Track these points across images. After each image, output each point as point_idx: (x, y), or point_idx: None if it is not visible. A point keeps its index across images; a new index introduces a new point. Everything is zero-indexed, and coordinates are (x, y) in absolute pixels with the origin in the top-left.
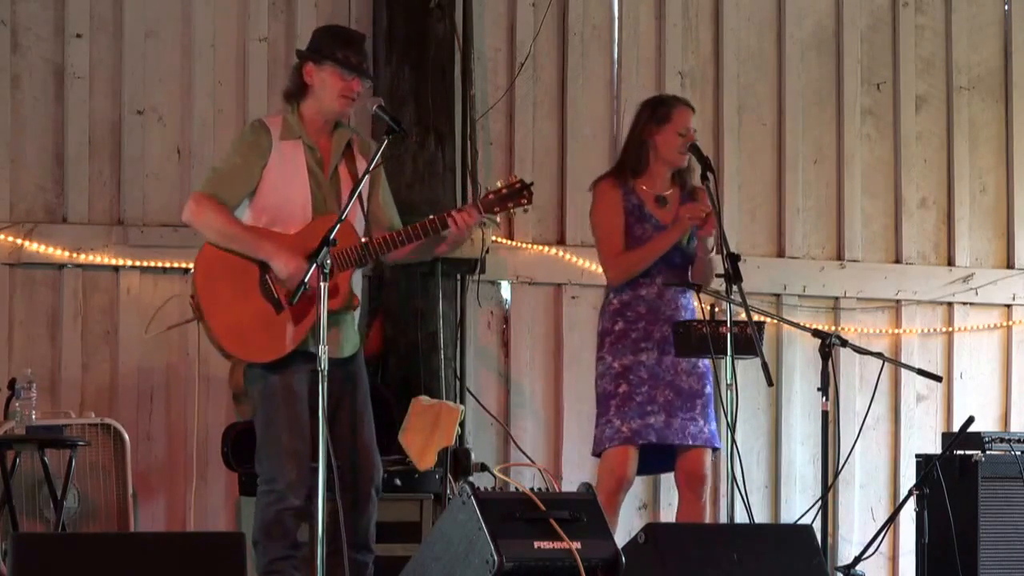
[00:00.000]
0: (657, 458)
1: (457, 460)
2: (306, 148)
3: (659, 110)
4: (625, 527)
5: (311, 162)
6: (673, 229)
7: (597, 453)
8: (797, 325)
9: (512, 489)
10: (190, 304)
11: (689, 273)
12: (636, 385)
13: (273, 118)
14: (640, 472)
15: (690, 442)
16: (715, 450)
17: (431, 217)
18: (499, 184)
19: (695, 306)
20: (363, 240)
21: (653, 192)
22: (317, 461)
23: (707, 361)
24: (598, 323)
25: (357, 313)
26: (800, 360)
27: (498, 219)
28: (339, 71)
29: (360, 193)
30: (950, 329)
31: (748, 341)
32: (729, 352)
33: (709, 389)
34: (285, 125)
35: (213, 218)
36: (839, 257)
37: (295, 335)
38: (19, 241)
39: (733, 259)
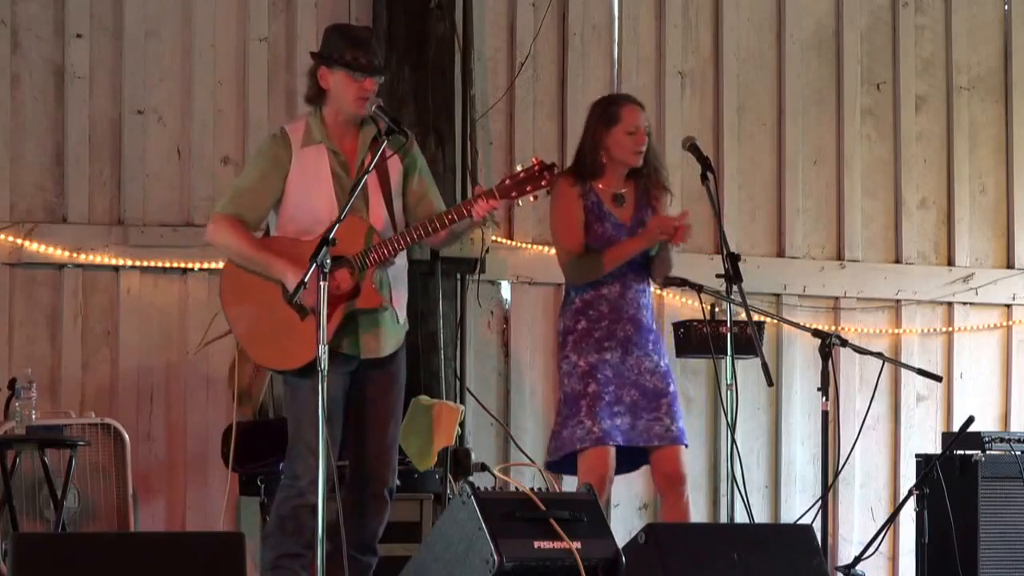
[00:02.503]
0: (632, 456)
1: (457, 460)
2: (329, 152)
3: (608, 111)
4: (625, 527)
5: (335, 165)
6: (640, 238)
7: (565, 454)
8: (797, 325)
9: (512, 489)
10: (226, 318)
11: (652, 270)
12: (603, 384)
13: (296, 124)
14: (619, 471)
15: (656, 443)
16: (684, 447)
17: (446, 211)
18: (518, 168)
19: (652, 305)
20: (393, 239)
21: (610, 191)
22: (339, 460)
23: (667, 360)
24: (559, 322)
25: (402, 312)
26: (800, 360)
27: (497, 219)
28: (350, 74)
29: (390, 185)
30: (950, 329)
31: (748, 341)
32: (729, 352)
33: (673, 388)
34: (307, 131)
35: (229, 240)
36: (839, 257)
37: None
38: (19, 241)
39: (733, 259)
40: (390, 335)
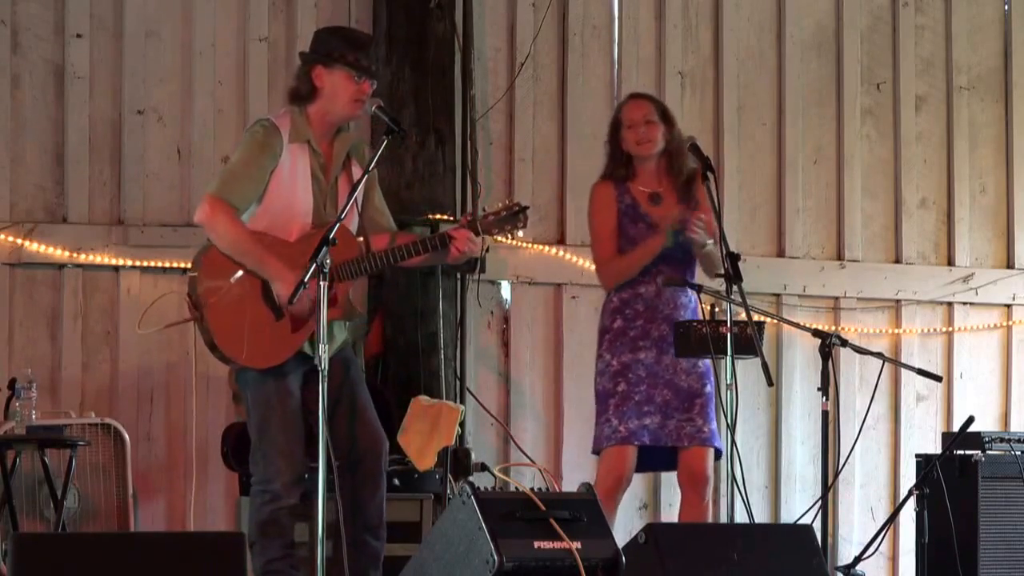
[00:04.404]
0: (658, 456)
1: (457, 460)
2: (312, 152)
3: (615, 117)
4: (625, 527)
5: (315, 166)
6: (656, 238)
7: (597, 451)
8: (797, 325)
9: (512, 489)
10: (186, 303)
11: (696, 270)
12: (634, 384)
13: (281, 118)
14: (642, 469)
15: (686, 443)
16: (717, 451)
17: (432, 235)
18: (498, 206)
19: (697, 305)
20: (368, 253)
21: (646, 191)
22: (315, 460)
23: (708, 360)
24: (599, 321)
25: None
26: (800, 360)
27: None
28: (351, 74)
29: (356, 197)
30: (950, 329)
31: (748, 341)
32: (729, 352)
33: (709, 388)
34: (293, 126)
35: (227, 228)
36: (839, 257)
37: (294, 341)
38: (19, 241)
39: (733, 259)
40: (339, 341)
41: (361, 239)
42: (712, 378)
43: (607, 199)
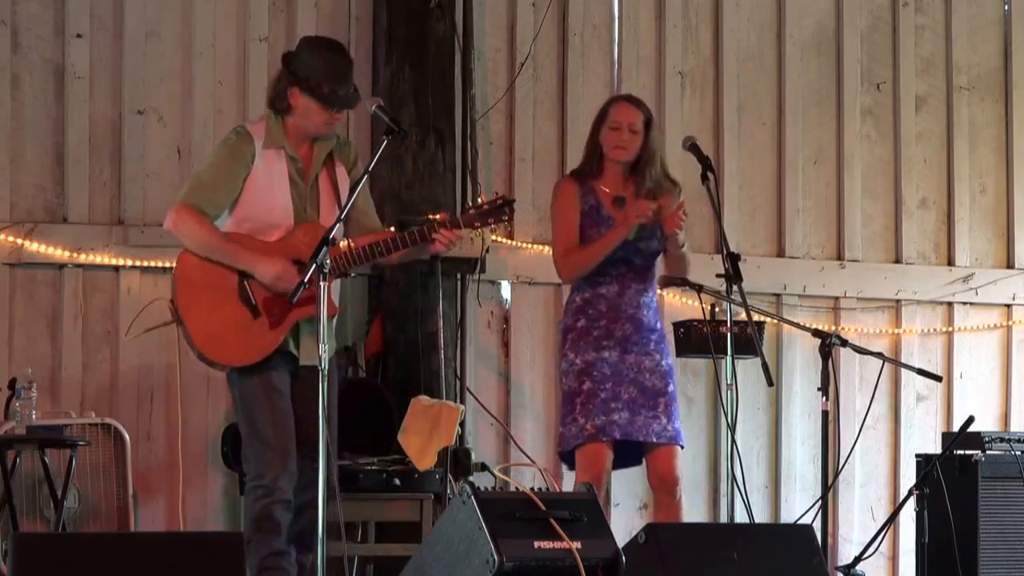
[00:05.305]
0: (623, 454)
1: (457, 460)
2: (288, 157)
3: (602, 109)
4: (625, 527)
5: (292, 171)
6: (618, 228)
7: (563, 451)
8: (797, 325)
9: (512, 489)
10: (168, 308)
11: (663, 268)
12: (599, 382)
13: (256, 125)
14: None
15: (654, 439)
16: (680, 448)
17: (412, 230)
18: (480, 200)
19: (657, 306)
20: (351, 250)
21: (612, 194)
22: (304, 456)
23: (670, 360)
24: (560, 320)
25: (335, 321)
26: (800, 360)
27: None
28: (323, 107)
29: (340, 196)
30: (950, 329)
31: (748, 341)
32: (729, 352)
33: (672, 388)
34: (268, 133)
35: (194, 230)
36: (839, 257)
37: (272, 339)
38: (19, 241)
39: (733, 259)
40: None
41: (344, 241)
42: (675, 378)
43: (570, 197)
